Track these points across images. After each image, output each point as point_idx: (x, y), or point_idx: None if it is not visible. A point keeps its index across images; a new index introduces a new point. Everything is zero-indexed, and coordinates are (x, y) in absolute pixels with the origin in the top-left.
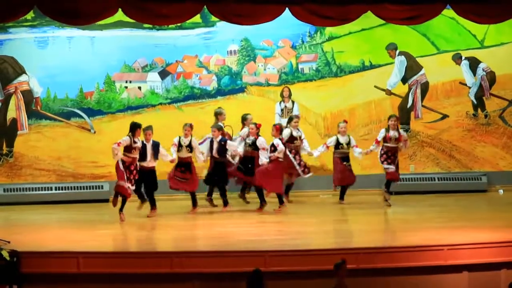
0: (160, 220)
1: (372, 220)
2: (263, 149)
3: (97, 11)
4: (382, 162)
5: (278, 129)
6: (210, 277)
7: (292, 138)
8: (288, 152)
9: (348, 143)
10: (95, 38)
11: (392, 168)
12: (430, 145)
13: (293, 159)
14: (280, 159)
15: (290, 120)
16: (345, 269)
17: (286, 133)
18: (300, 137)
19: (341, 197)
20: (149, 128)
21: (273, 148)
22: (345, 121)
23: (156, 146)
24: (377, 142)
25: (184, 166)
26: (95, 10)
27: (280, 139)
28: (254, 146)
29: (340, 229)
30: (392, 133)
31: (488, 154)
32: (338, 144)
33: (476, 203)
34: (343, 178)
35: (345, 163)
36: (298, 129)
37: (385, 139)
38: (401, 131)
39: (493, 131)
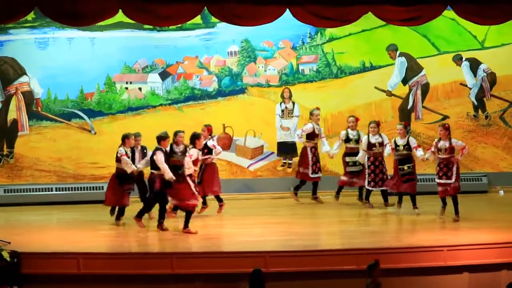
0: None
1: (372, 221)
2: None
3: (98, 12)
4: (436, 176)
5: (210, 130)
6: (211, 278)
7: (370, 145)
8: (365, 159)
9: (406, 145)
10: (95, 39)
11: (441, 182)
12: (431, 146)
13: (367, 168)
14: (214, 162)
15: (369, 125)
16: (379, 270)
17: (364, 140)
18: (380, 143)
19: (414, 205)
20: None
21: (207, 149)
22: (405, 124)
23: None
24: (432, 151)
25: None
26: (95, 11)
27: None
28: (183, 155)
29: (340, 230)
30: (442, 143)
31: (489, 155)
32: (396, 146)
33: (477, 204)
34: (395, 184)
35: (400, 166)
36: (379, 134)
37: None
38: (453, 140)
39: (493, 132)
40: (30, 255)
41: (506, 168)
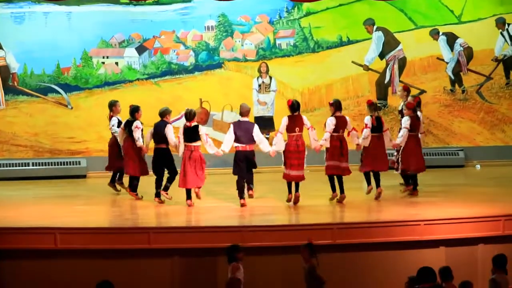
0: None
1: (349, 196)
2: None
3: None
4: None
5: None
6: (189, 252)
7: None
8: None
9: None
10: (71, 14)
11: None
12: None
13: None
14: None
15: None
16: (306, 252)
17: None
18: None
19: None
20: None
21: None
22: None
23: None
24: None
25: None
26: None
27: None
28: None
29: (317, 205)
30: None
31: (465, 130)
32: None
33: (453, 178)
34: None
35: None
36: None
37: None
38: None
39: (470, 107)
40: (7, 230)
41: (482, 142)
